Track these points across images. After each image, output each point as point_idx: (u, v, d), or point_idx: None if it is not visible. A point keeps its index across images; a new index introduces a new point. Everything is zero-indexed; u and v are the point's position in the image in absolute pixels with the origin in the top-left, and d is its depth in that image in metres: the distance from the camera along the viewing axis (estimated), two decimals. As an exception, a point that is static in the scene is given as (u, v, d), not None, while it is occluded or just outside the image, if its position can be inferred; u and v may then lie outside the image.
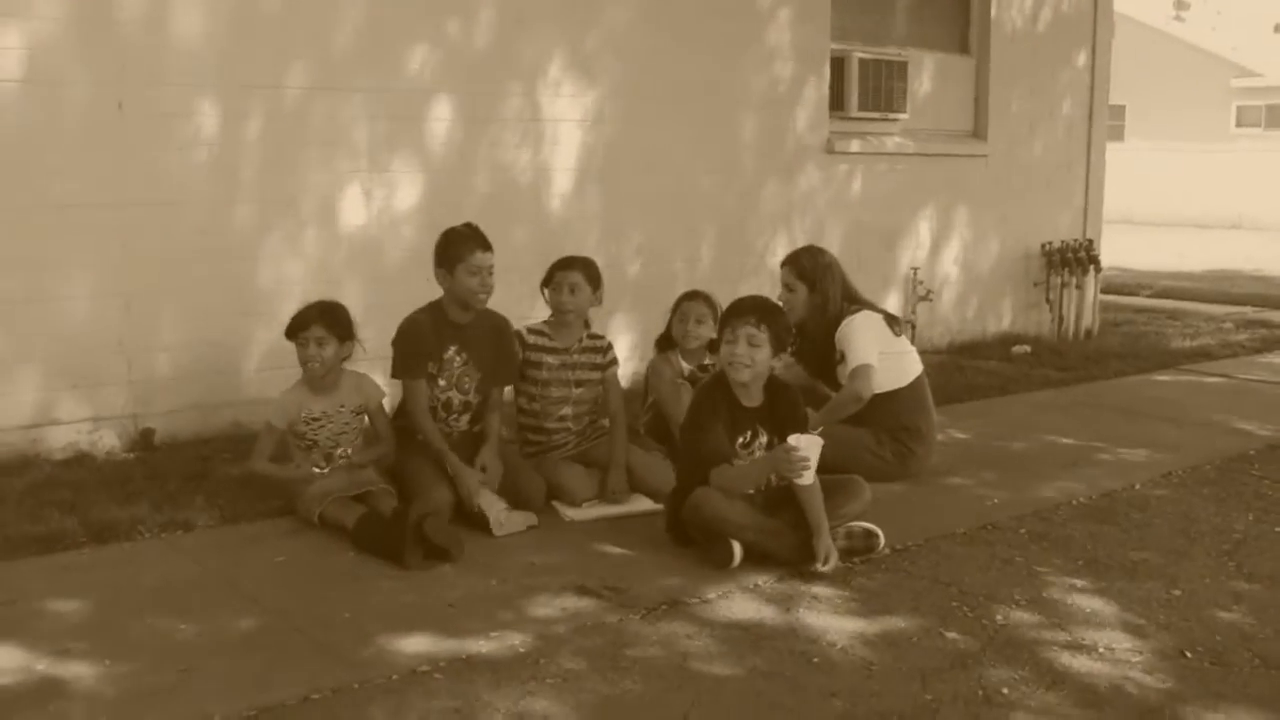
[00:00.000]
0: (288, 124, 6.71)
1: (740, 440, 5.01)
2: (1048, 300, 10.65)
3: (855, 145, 9.36)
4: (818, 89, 9.08)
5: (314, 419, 5.40)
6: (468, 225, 5.66)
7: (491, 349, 5.70)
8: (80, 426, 6.24)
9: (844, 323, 6.10)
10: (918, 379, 6.22)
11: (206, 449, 6.30)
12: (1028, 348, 9.87)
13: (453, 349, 5.61)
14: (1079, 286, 10.65)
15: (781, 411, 5.08)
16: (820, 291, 6.15)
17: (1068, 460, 6.50)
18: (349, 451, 5.45)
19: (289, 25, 6.68)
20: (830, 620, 4.33)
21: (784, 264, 6.30)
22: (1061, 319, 10.61)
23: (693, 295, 6.26)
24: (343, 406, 5.45)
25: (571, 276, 5.82)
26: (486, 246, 5.57)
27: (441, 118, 7.26)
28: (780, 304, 5.50)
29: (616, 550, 5.03)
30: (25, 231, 6.01)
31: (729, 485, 4.89)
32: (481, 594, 4.51)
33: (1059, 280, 10.61)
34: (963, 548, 5.12)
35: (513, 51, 7.51)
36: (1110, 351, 9.85)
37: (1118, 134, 11.31)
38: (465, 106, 7.35)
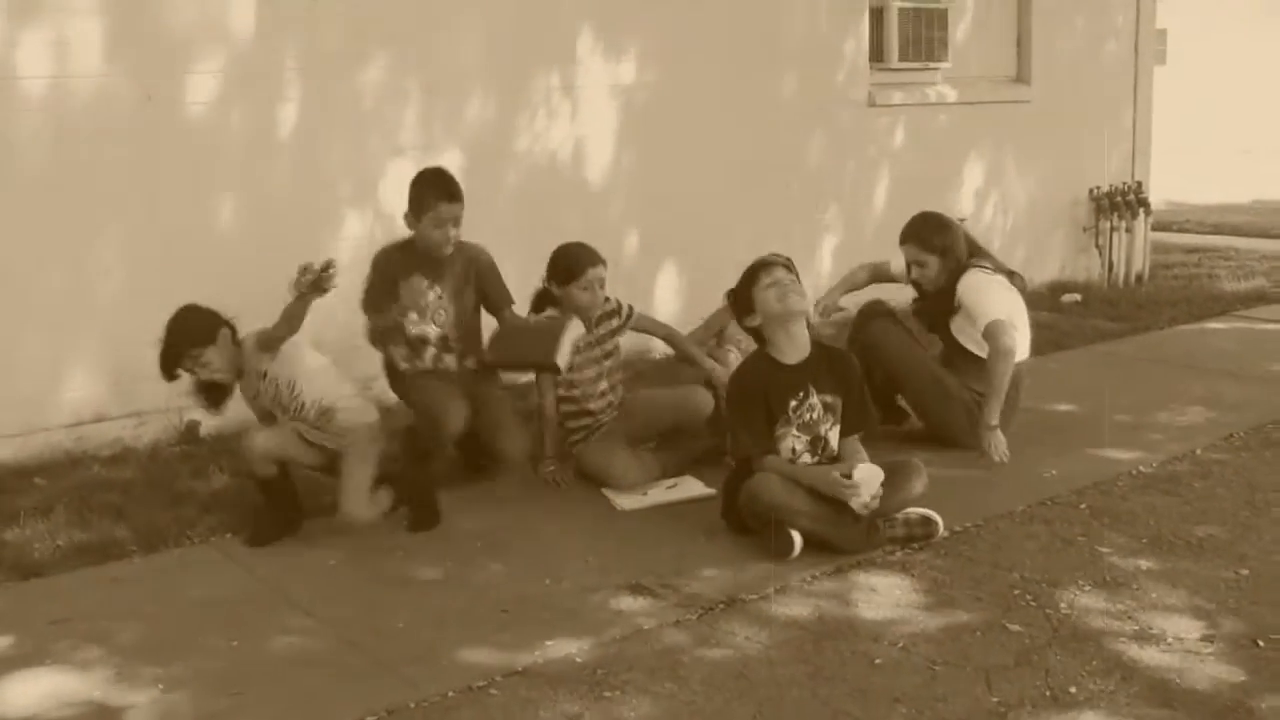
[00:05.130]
0: (319, 108, 6.61)
1: (792, 403, 4.91)
2: (1097, 246, 10.45)
3: (897, 97, 9.18)
4: (857, 41, 8.89)
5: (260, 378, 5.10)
6: (437, 171, 5.51)
7: (470, 281, 5.58)
8: (125, 422, 6.20)
9: (965, 276, 5.88)
10: (1021, 364, 5.95)
11: (252, 440, 6.25)
12: (1078, 296, 9.70)
13: (425, 282, 5.50)
14: (1129, 230, 10.43)
15: (837, 371, 5.00)
16: (952, 255, 5.92)
17: (1125, 424, 6.36)
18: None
19: (316, 6, 6.57)
20: (891, 615, 4.24)
21: (905, 241, 6.04)
22: (1112, 265, 10.41)
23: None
24: (271, 378, 5.08)
25: (601, 271, 5.68)
26: (454, 197, 5.41)
27: (475, 90, 7.14)
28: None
29: (671, 541, 4.94)
30: (62, 228, 5.96)
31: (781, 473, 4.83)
32: (536, 596, 4.44)
33: (1108, 225, 10.40)
34: (1022, 527, 5.01)
35: (544, 18, 7.38)
36: (1163, 298, 9.65)
37: (1160, 59, 11.10)
38: (499, 78, 7.23)
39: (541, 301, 5.75)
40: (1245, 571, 4.53)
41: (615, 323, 5.83)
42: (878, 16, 9.08)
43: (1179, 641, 4.01)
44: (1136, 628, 4.11)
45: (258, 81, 6.43)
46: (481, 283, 5.66)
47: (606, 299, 5.80)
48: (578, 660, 3.94)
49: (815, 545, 4.70)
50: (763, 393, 4.89)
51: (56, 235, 5.96)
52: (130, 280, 6.14)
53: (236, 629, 4.19)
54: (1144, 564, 4.62)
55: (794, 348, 4.96)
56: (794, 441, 4.92)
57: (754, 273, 5.05)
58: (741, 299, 5.06)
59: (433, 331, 5.57)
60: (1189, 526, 4.98)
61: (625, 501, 5.38)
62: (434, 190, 5.43)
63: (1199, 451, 5.90)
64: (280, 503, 5.05)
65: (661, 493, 5.46)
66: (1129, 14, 10.84)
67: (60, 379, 6.06)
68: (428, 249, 5.49)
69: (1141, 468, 5.68)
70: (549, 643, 4.04)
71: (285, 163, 6.55)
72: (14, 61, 5.78)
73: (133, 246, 6.14)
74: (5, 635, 4.17)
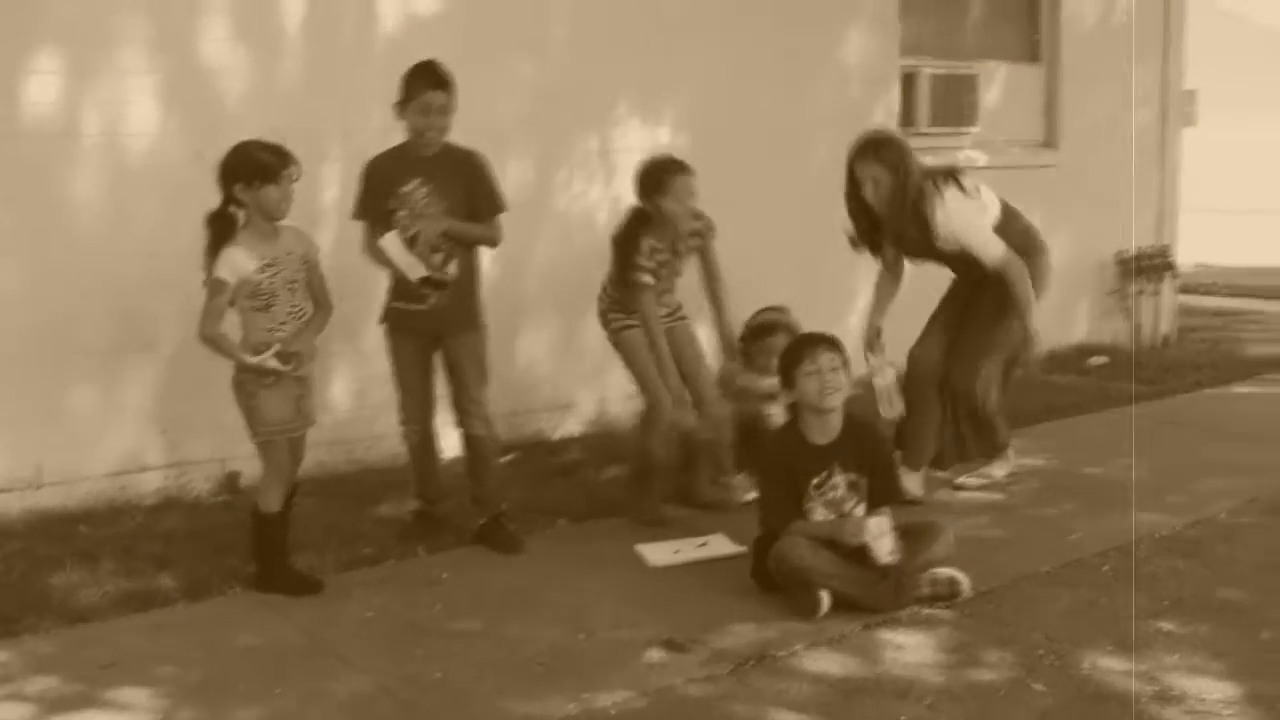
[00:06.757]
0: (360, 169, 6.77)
1: (814, 482, 5.02)
2: (1124, 309, 10.54)
3: (927, 161, 9.27)
4: (888, 107, 9.05)
5: (268, 265, 5.07)
6: (428, 61, 5.44)
7: (458, 179, 5.54)
8: (168, 472, 6.37)
9: (935, 211, 5.89)
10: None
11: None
12: (1105, 359, 9.79)
13: (415, 181, 5.48)
14: (1155, 294, 10.54)
15: (865, 449, 5.09)
16: (904, 172, 5.89)
17: (1149, 487, 6.42)
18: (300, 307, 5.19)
19: (360, 71, 6.77)
20: (917, 673, 4.33)
21: (860, 157, 5.99)
22: (1138, 328, 10.50)
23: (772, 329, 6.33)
24: (290, 253, 5.16)
25: (690, 182, 6.02)
26: (439, 85, 5.38)
27: (513, 156, 7.30)
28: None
29: (702, 598, 5.04)
30: (115, 283, 6.15)
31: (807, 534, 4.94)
32: (570, 650, 4.55)
33: (1135, 289, 10.50)
34: (1046, 589, 5.09)
35: (580, 87, 7.57)
36: (1188, 361, 9.76)
37: (1190, 120, 11.17)
38: (535, 144, 7.39)
39: (636, 224, 5.94)
40: (1266, 635, 4.61)
41: (696, 242, 6.10)
42: (909, 82, 9.24)
43: (1200, 703, 4.09)
44: (1158, 689, 4.19)
45: (302, 143, 6.57)
46: (469, 184, 5.57)
47: (698, 215, 6.03)
48: (611, 714, 4.05)
49: (843, 605, 4.79)
50: (789, 468, 5.02)
51: (107, 287, 6.14)
52: (176, 332, 6.28)
53: (279, 677, 4.30)
54: (1166, 626, 4.70)
55: (824, 429, 5.07)
56: (821, 519, 5.03)
57: (798, 353, 5.12)
58: (784, 374, 5.17)
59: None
60: (1211, 589, 5.05)
61: (657, 558, 5.49)
62: (420, 79, 5.39)
63: (1222, 516, 5.98)
64: (282, 550, 5.22)
65: (692, 550, 5.57)
66: (1156, 77, 10.97)
67: (105, 428, 6.22)
68: (415, 142, 5.49)
69: (1164, 531, 5.76)
70: (584, 695, 4.15)
71: (329, 221, 6.70)
72: (76, 120, 6.03)
73: (181, 299, 6.27)
74: (54, 679, 4.30)
